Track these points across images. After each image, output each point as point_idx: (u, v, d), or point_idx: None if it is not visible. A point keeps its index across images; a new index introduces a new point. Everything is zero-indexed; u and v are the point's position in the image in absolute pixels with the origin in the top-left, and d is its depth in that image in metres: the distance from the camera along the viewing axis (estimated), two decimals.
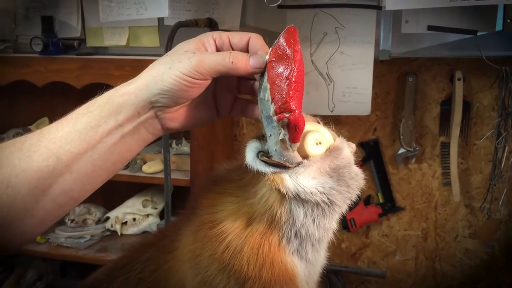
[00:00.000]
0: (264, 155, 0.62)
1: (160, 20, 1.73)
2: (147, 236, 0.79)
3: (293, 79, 0.58)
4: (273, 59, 0.60)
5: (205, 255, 0.65)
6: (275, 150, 0.61)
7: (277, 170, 0.61)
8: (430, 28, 1.49)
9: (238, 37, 0.65)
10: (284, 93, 0.58)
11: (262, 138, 0.64)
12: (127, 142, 0.63)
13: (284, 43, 0.60)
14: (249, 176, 0.66)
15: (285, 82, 0.58)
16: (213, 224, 0.65)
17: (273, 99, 0.58)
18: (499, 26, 1.45)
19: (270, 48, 0.62)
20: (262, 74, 0.62)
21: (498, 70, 1.55)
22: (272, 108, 0.58)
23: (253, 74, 0.63)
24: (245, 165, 0.63)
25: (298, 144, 0.59)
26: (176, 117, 0.65)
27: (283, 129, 0.58)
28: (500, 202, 1.63)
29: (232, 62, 0.61)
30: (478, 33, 1.46)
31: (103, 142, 0.61)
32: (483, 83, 1.69)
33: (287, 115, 0.57)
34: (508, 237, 1.78)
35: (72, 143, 0.60)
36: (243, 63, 0.61)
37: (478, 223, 1.81)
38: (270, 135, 0.61)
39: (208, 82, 0.63)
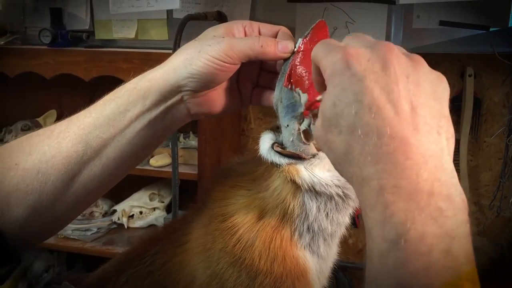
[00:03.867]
0: (278, 146, 0.62)
1: (169, 13, 1.73)
2: (157, 229, 0.79)
3: None
4: (306, 50, 0.59)
5: (216, 248, 0.65)
6: (291, 141, 0.60)
7: (292, 161, 0.60)
8: (442, 23, 1.47)
9: (268, 28, 0.65)
10: None
11: (276, 129, 0.64)
12: (155, 127, 0.63)
13: (318, 35, 0.60)
14: (261, 169, 0.66)
15: None
16: (224, 218, 0.65)
17: (309, 86, 0.57)
18: None
19: (301, 39, 0.61)
20: (286, 63, 0.61)
21: (510, 66, 1.53)
22: (304, 97, 0.57)
23: (281, 59, 0.62)
24: (257, 158, 0.63)
25: None
26: (204, 102, 0.64)
27: (313, 119, 0.57)
28: (511, 200, 1.62)
29: (262, 46, 0.60)
30: (490, 29, 1.44)
31: (131, 127, 0.61)
32: (494, 80, 1.67)
33: None
34: None
35: (100, 128, 0.60)
36: (272, 48, 0.61)
37: (486, 221, 1.79)
38: (288, 125, 0.60)
39: (237, 66, 0.62)
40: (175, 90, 0.61)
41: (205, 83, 0.61)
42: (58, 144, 0.60)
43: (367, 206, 0.43)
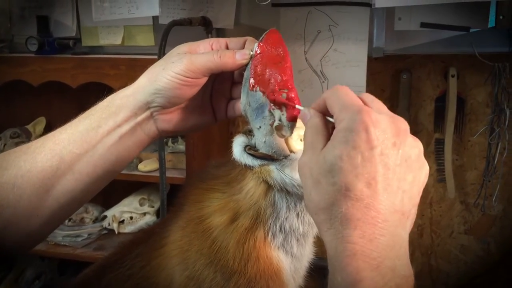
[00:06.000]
0: (251, 148, 0.64)
1: (155, 19, 1.74)
2: (137, 233, 0.81)
3: (288, 64, 0.61)
4: (262, 52, 0.63)
5: (192, 250, 0.66)
6: (264, 142, 0.62)
7: (265, 162, 0.62)
8: (423, 25, 1.49)
9: (235, 41, 0.68)
10: (280, 75, 0.61)
11: (248, 133, 0.66)
12: (125, 142, 0.66)
13: (271, 38, 0.63)
14: (235, 172, 0.67)
15: (281, 65, 0.61)
16: (200, 220, 0.66)
17: (269, 81, 0.61)
18: (491, 23, 1.45)
19: (256, 44, 0.64)
20: (247, 69, 0.64)
21: (491, 66, 1.55)
22: (263, 97, 0.60)
23: (242, 66, 0.65)
24: (231, 161, 0.65)
25: (295, 125, 0.61)
26: (171, 119, 0.68)
27: (281, 110, 0.60)
28: (494, 198, 1.64)
29: (220, 57, 0.64)
30: (471, 30, 1.46)
31: (102, 142, 0.64)
32: (477, 80, 1.69)
33: (285, 91, 0.59)
34: (503, 233, 1.79)
35: (74, 144, 0.63)
36: (231, 57, 0.64)
37: (473, 219, 1.81)
38: (260, 127, 0.62)
39: (201, 81, 0.65)
40: (144, 106, 0.65)
41: (171, 98, 0.65)
42: (33, 159, 0.62)
43: (337, 266, 0.46)
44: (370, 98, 0.53)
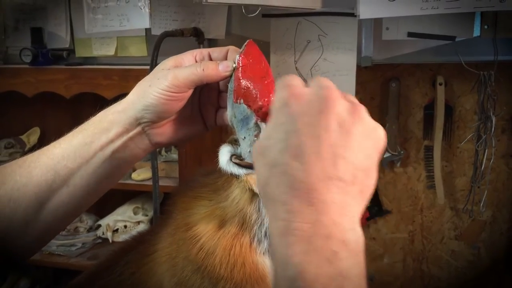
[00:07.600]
0: (237, 158, 0.66)
1: (148, 30, 1.76)
2: (127, 240, 0.82)
3: (272, 78, 0.63)
4: (244, 64, 0.64)
5: (181, 257, 0.68)
6: (249, 151, 0.64)
7: (250, 171, 0.64)
8: (410, 34, 1.52)
9: (218, 51, 0.70)
10: (267, 89, 0.62)
11: (234, 142, 0.68)
12: (119, 157, 0.67)
13: (251, 50, 0.66)
14: (222, 180, 0.69)
15: (265, 79, 0.63)
16: (187, 227, 0.68)
17: (255, 97, 0.62)
18: (476, 32, 1.49)
19: (238, 55, 0.66)
20: (231, 81, 0.66)
21: (477, 74, 1.58)
22: (248, 109, 0.62)
23: (225, 77, 0.67)
24: (218, 169, 0.66)
25: None
26: (163, 132, 0.69)
27: (265, 124, 0.61)
28: (481, 204, 1.66)
29: (203, 69, 0.65)
30: (457, 39, 1.49)
31: (96, 157, 0.66)
32: (464, 88, 1.72)
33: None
34: (493, 238, 1.81)
35: (68, 159, 0.65)
36: (214, 69, 0.65)
37: (463, 225, 1.83)
38: (244, 137, 0.64)
39: (187, 94, 0.67)
40: (134, 122, 0.67)
41: (160, 113, 0.66)
42: (29, 173, 0.64)
43: (273, 244, 0.46)
44: (316, 78, 0.52)
